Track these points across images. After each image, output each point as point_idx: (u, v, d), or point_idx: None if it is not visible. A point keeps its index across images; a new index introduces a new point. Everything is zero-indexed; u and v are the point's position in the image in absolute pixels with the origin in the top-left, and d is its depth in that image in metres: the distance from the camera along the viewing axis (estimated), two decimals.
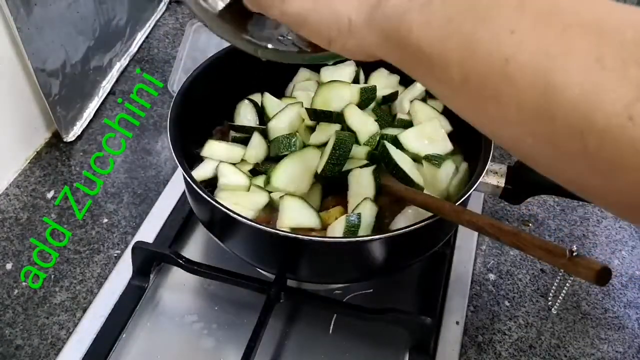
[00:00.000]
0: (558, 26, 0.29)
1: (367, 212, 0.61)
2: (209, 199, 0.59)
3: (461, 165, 0.69)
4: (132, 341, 0.68)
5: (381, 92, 0.75)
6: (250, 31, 0.53)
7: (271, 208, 0.66)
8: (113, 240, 0.79)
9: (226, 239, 0.66)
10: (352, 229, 0.60)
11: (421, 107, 0.73)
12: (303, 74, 0.81)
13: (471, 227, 0.55)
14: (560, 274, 0.51)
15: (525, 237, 0.49)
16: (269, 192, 0.66)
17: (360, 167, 0.66)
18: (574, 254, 0.45)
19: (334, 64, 0.75)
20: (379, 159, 0.67)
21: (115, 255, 0.77)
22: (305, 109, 0.71)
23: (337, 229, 0.61)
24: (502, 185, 0.69)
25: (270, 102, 0.77)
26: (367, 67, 0.79)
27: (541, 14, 0.29)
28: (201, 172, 0.69)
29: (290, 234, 0.59)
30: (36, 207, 0.83)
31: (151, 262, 0.73)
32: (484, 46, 0.31)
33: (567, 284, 0.52)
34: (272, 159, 0.70)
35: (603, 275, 0.43)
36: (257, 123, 0.77)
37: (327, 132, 0.69)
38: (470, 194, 0.61)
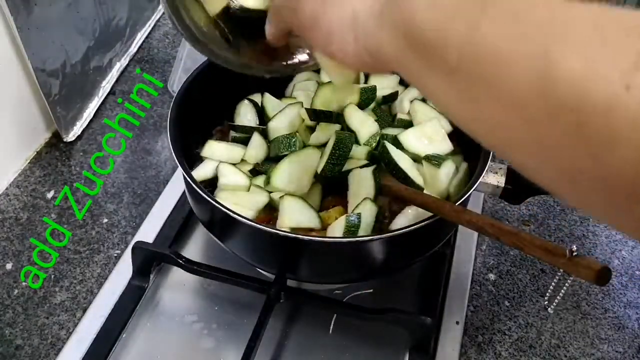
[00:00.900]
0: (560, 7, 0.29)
1: (367, 212, 0.61)
2: (209, 199, 0.59)
3: (461, 165, 0.69)
4: (132, 341, 0.68)
5: (381, 92, 0.75)
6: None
7: (271, 208, 0.66)
8: (113, 240, 0.79)
9: (226, 239, 0.66)
10: (352, 229, 0.60)
11: (421, 107, 0.73)
12: (303, 74, 0.81)
13: (471, 227, 0.55)
14: (559, 274, 0.51)
15: (525, 237, 0.49)
16: (269, 192, 0.66)
17: (360, 167, 0.66)
18: (574, 253, 0.45)
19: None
20: (379, 159, 0.67)
21: (115, 255, 0.77)
22: (305, 109, 0.71)
23: (337, 229, 0.61)
24: (502, 185, 0.69)
25: (270, 102, 0.77)
26: None
27: None
28: (201, 172, 0.69)
29: (290, 234, 0.59)
30: (36, 207, 0.83)
31: (151, 262, 0.73)
32: (486, 29, 0.31)
33: (567, 284, 0.52)
34: (272, 159, 0.70)
35: (603, 275, 0.43)
36: (257, 123, 0.77)
37: (327, 132, 0.69)
38: (470, 194, 0.61)
